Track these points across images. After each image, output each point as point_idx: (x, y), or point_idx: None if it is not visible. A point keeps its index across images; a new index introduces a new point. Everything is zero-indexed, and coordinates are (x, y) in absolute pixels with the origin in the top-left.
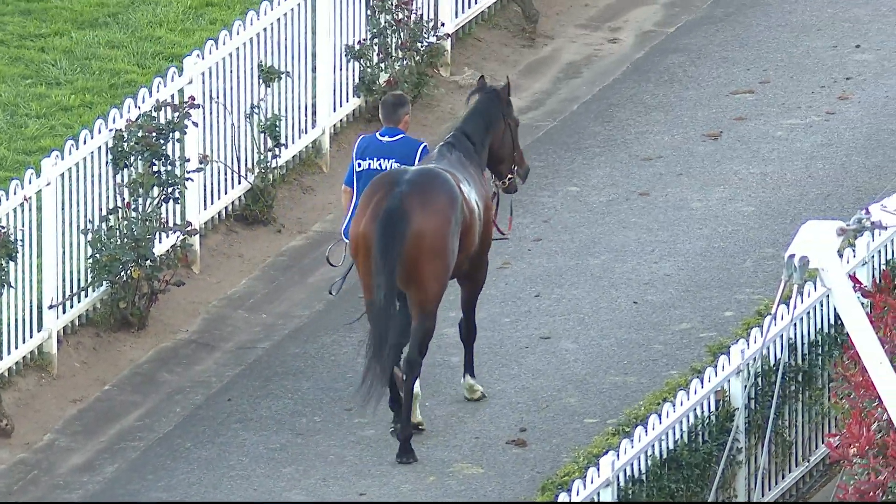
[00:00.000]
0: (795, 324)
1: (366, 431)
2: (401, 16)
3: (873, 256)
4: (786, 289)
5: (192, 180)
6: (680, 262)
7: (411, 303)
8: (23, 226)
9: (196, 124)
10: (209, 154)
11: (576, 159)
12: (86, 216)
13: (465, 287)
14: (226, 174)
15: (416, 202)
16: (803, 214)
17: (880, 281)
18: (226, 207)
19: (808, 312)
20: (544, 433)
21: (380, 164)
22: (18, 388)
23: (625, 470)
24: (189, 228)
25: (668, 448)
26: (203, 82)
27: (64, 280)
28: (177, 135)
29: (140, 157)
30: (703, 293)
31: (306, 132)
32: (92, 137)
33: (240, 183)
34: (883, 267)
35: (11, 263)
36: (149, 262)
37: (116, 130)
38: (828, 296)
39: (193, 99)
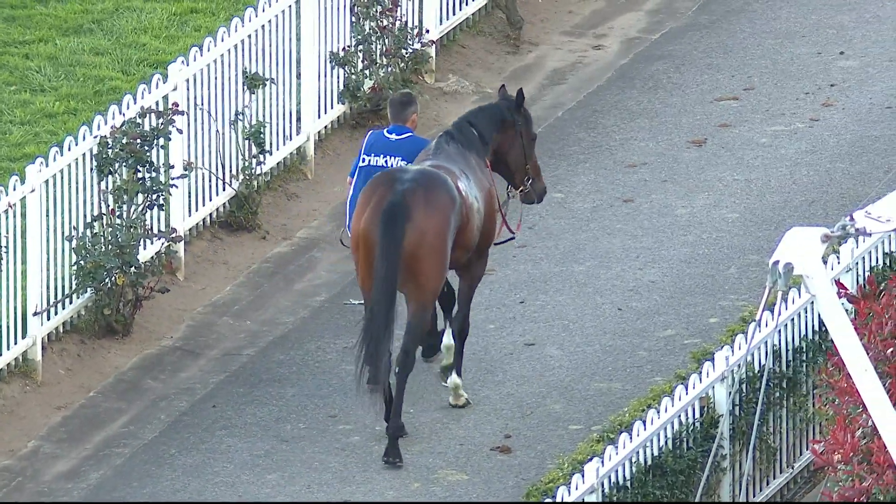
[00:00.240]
0: (780, 330)
1: (350, 438)
2: (385, 23)
3: (857, 263)
4: (770, 295)
5: (177, 187)
6: (664, 268)
7: (409, 298)
8: (7, 232)
9: (180, 131)
10: (194, 161)
11: (560, 166)
12: (70, 223)
13: (463, 278)
14: (210, 181)
15: (417, 200)
16: (788, 221)
17: (864, 287)
18: (210, 214)
19: (793, 319)
20: (529, 440)
21: (385, 162)
22: (3, 395)
23: (609, 476)
24: (174, 235)
25: (652, 455)
26: (187, 89)
27: (48, 287)
28: (161, 141)
29: (124, 163)
30: (687, 300)
31: (291, 139)
32: (76, 144)
33: (224, 189)
34: (867, 273)
35: None
36: (133, 268)
37: (101, 137)
38: (812, 302)
39: (178, 106)
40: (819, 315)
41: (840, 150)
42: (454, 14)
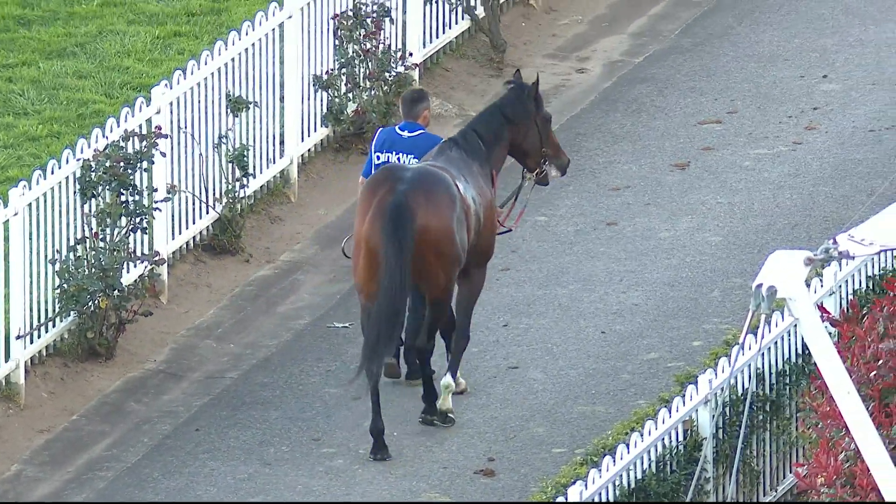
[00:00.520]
0: (763, 353)
1: (334, 461)
2: (368, 46)
3: (841, 286)
4: (753, 318)
5: (160, 210)
6: (648, 291)
7: (426, 295)
8: None
9: (164, 154)
10: (177, 184)
11: (543, 189)
12: (53, 246)
13: (462, 287)
14: (194, 204)
15: (419, 198)
16: (771, 244)
17: (848, 311)
18: (194, 237)
19: (776, 342)
20: (512, 463)
21: (398, 159)
22: None
23: (593, 500)
24: (157, 258)
25: (636, 478)
26: (171, 112)
27: (31, 310)
28: (144, 165)
29: (108, 186)
30: (670, 323)
31: (274, 162)
32: (59, 167)
33: (208, 213)
34: (850, 297)
35: None
36: (116, 291)
37: (84, 160)
38: (795, 326)
39: (161, 129)
40: (802, 338)
41: (823, 173)
42: (437, 37)
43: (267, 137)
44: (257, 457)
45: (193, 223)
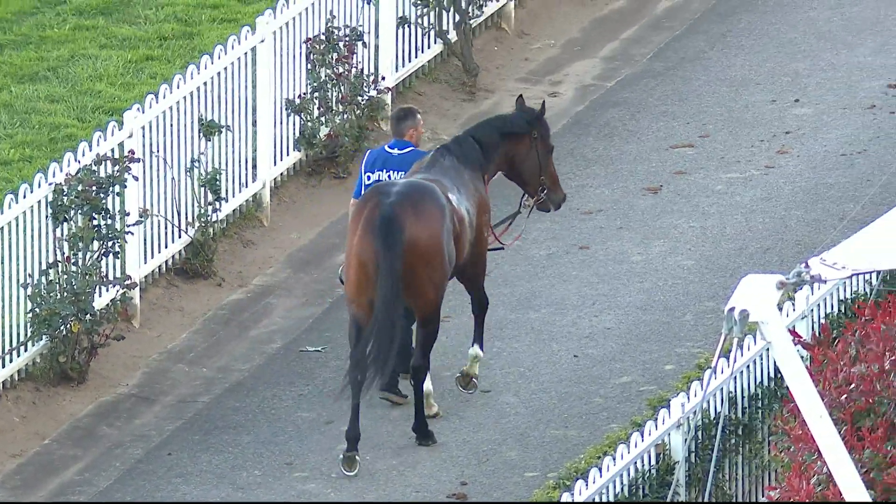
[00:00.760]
0: (735, 377)
1: (307, 485)
2: (341, 70)
3: (813, 310)
4: (726, 342)
5: (133, 234)
6: (620, 315)
7: (416, 313)
8: None
9: (136, 178)
10: (149, 208)
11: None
12: (25, 270)
13: (466, 282)
14: (166, 228)
15: (407, 212)
16: (743, 268)
17: (819, 334)
18: (166, 261)
19: (748, 366)
20: (485, 487)
21: (389, 177)
22: None
23: None
24: (129, 282)
25: (608, 501)
26: (143, 136)
27: (3, 334)
28: (117, 188)
29: (80, 210)
30: (643, 346)
31: (247, 186)
32: (31, 191)
33: (180, 237)
34: (822, 320)
35: None
36: (89, 315)
37: (56, 184)
38: (767, 349)
39: (133, 153)
40: (774, 362)
41: (795, 197)
42: (410, 61)
43: (239, 161)
44: (229, 481)
45: (166, 247)
